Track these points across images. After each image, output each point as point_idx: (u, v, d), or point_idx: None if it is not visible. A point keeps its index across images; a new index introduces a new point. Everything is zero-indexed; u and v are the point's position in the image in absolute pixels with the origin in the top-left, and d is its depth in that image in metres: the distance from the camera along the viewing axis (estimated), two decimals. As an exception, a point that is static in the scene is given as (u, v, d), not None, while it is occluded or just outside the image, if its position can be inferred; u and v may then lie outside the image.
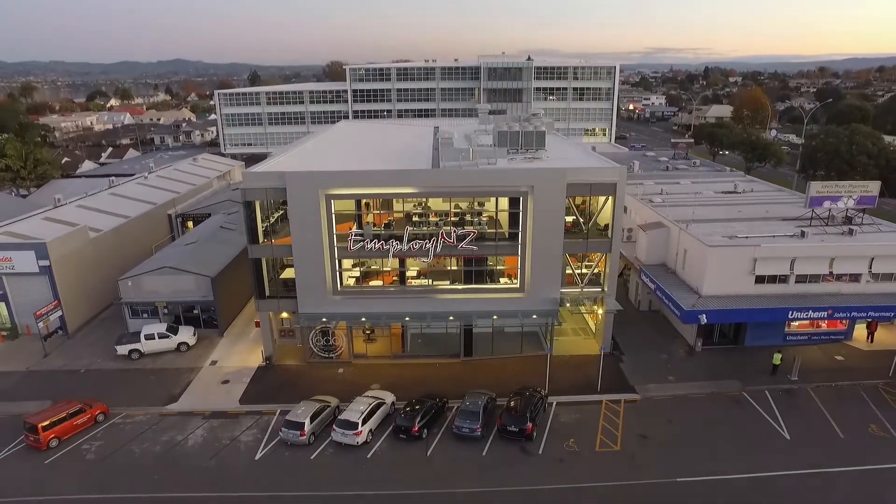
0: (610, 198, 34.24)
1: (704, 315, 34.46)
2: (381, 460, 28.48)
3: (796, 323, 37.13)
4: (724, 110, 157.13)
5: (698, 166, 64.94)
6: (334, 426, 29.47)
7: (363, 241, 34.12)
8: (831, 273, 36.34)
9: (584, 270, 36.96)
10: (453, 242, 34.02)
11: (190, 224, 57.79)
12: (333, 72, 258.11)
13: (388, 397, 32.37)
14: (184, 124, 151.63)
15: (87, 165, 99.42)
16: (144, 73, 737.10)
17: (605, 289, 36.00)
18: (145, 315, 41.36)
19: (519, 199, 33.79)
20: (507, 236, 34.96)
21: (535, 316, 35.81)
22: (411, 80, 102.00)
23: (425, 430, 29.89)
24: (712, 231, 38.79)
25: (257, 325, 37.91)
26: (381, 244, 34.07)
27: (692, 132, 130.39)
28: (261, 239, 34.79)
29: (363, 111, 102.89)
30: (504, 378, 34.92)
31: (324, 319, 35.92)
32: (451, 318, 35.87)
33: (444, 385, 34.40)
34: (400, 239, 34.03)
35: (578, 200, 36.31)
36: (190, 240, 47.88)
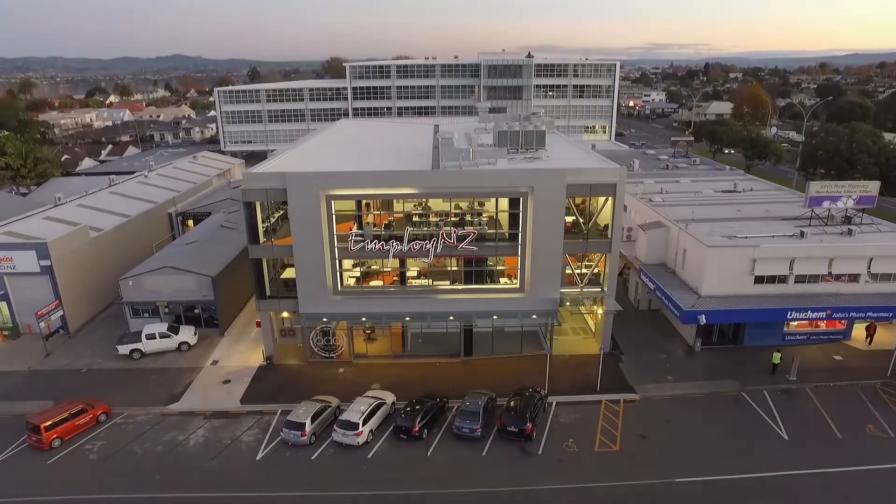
0: (610, 198, 34.30)
1: (703, 315, 34.60)
2: (381, 460, 28.65)
3: (795, 323, 37.25)
4: (724, 107, 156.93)
5: (698, 165, 64.99)
6: (335, 426, 29.63)
7: (363, 241, 34.21)
8: (830, 273, 36.45)
9: (584, 270, 37.06)
10: (453, 243, 34.12)
11: (190, 223, 57.87)
12: (333, 68, 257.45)
13: (389, 397, 32.53)
14: (183, 121, 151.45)
15: (87, 163, 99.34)
16: (143, 69, 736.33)
17: (605, 289, 36.11)
18: (146, 314, 41.48)
19: (519, 199, 33.86)
20: (507, 237, 35.05)
21: (534, 316, 35.94)
22: (411, 77, 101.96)
23: (425, 431, 30.05)
24: (712, 231, 38.89)
25: (258, 324, 38.04)
26: (382, 245, 34.17)
27: (692, 129, 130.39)
28: (261, 239, 34.87)
29: (363, 108, 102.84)
30: (504, 378, 35.08)
31: (324, 319, 36.05)
32: (451, 318, 35.98)
33: (444, 385, 34.56)
34: (400, 239, 34.13)
35: (578, 200, 36.38)
36: (190, 239, 47.97)
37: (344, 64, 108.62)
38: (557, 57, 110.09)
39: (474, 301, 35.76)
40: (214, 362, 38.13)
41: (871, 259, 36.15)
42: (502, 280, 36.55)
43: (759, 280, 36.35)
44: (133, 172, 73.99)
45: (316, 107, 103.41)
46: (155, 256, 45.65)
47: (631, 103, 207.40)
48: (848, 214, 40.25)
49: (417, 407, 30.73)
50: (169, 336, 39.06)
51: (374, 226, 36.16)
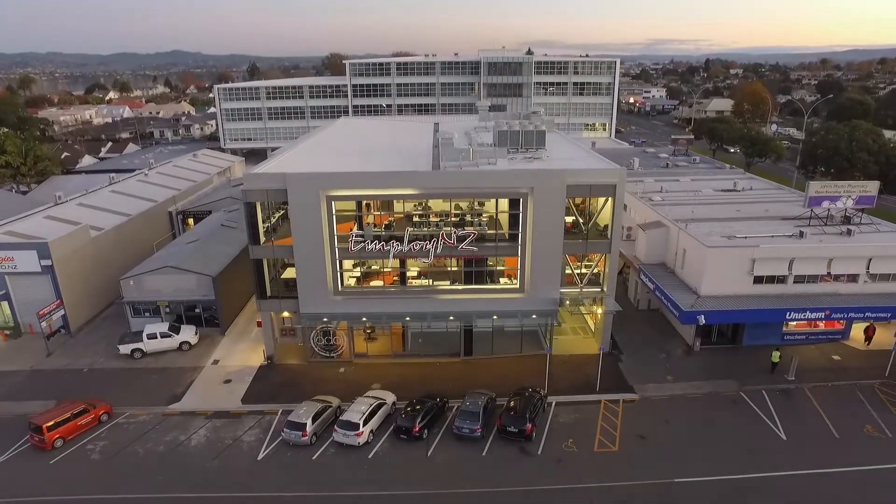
0: (609, 199, 34.37)
1: (703, 316, 34.72)
2: (382, 460, 28.83)
3: (794, 322, 37.36)
4: (724, 104, 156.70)
5: (698, 163, 64.98)
6: (336, 427, 29.80)
7: (364, 242, 34.31)
8: (829, 273, 36.55)
9: (584, 270, 37.16)
10: (453, 243, 34.22)
11: (190, 221, 57.93)
12: (333, 64, 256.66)
13: (389, 397, 32.69)
14: (183, 118, 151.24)
15: (87, 160, 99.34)
16: (143, 65, 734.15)
17: (605, 289, 36.22)
18: (147, 314, 41.62)
19: (519, 200, 33.94)
20: (507, 237, 35.14)
21: (534, 316, 36.05)
22: (411, 74, 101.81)
23: (426, 431, 30.22)
24: (711, 231, 38.97)
25: (259, 324, 38.16)
26: (382, 245, 34.28)
27: (692, 126, 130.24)
28: (262, 240, 34.95)
29: (363, 106, 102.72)
30: (504, 377, 35.24)
31: (325, 319, 36.17)
32: (451, 318, 36.10)
33: (444, 384, 34.73)
34: (400, 240, 34.23)
35: (578, 200, 36.46)
36: (191, 238, 48.04)
37: (344, 61, 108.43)
38: (558, 53, 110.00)
39: (474, 301, 35.88)
40: (215, 362, 38.28)
41: (870, 259, 36.26)
42: (502, 280, 36.66)
43: (758, 280, 36.46)
44: (133, 170, 73.99)
45: (316, 104, 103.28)
46: (155, 256, 45.74)
47: (631, 100, 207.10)
48: (847, 214, 40.32)
49: (418, 407, 30.89)
50: (170, 336, 39.20)
51: (375, 226, 36.25)
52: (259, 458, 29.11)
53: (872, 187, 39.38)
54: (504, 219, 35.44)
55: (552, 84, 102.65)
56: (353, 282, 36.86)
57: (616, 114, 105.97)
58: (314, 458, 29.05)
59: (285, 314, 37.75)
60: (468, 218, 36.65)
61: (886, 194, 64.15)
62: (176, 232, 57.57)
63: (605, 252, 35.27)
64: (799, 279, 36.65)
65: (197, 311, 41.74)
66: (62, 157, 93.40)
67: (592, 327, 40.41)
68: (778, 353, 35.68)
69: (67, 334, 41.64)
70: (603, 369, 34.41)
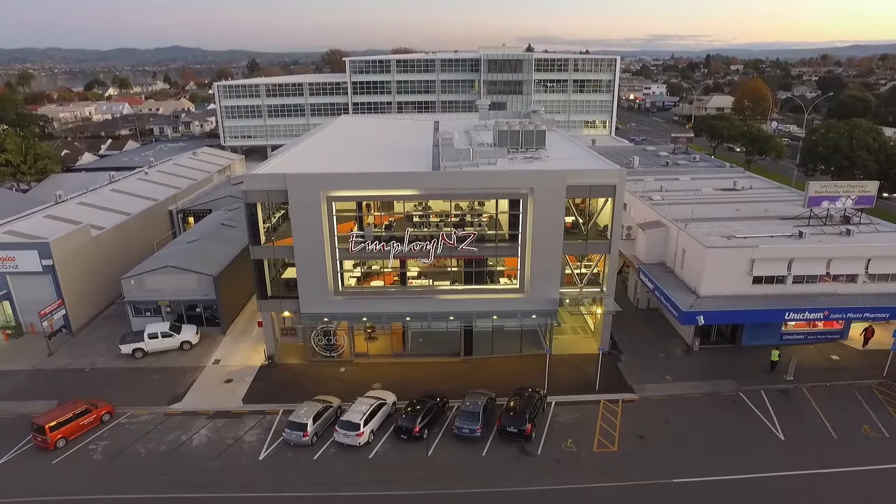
0: (609, 199, 34.44)
1: (702, 316, 34.85)
2: (382, 461, 29.01)
3: (793, 322, 37.47)
4: (725, 101, 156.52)
5: (698, 161, 64.98)
6: (336, 427, 29.96)
7: (364, 242, 34.40)
8: (828, 274, 36.65)
9: (584, 270, 37.26)
10: (454, 244, 34.32)
11: (191, 220, 57.99)
12: (332, 60, 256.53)
13: (390, 397, 32.85)
14: (183, 115, 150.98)
15: (87, 158, 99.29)
16: (142, 60, 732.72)
17: (604, 289, 36.33)
18: (148, 313, 41.74)
19: (519, 200, 34.01)
20: (507, 238, 35.23)
21: (534, 316, 36.17)
22: (411, 72, 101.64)
23: (426, 431, 30.38)
24: (711, 230, 39.06)
25: (259, 324, 38.28)
26: (382, 245, 34.37)
27: (692, 123, 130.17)
28: (263, 240, 35.04)
29: (363, 103, 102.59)
30: (504, 377, 35.40)
31: (325, 319, 36.30)
32: (451, 318, 36.22)
33: (444, 384, 34.89)
34: (401, 240, 34.32)
35: (578, 200, 36.54)
36: (191, 237, 48.10)
37: (344, 59, 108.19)
38: (558, 50, 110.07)
39: (474, 301, 36.00)
40: (216, 361, 38.43)
41: (869, 259, 36.35)
42: (502, 280, 36.77)
43: (757, 280, 36.57)
44: (133, 168, 73.97)
45: (316, 101, 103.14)
46: (156, 255, 45.84)
47: (631, 96, 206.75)
48: (847, 214, 40.39)
49: (418, 407, 31.03)
50: (171, 335, 39.34)
51: (375, 226, 36.35)
52: (260, 458, 29.29)
53: (872, 187, 39.44)
54: (504, 219, 35.53)
55: (552, 81, 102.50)
56: (353, 282, 36.98)
57: (616, 111, 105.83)
58: (315, 458, 29.23)
59: (286, 314, 37.88)
60: (468, 218, 36.74)
61: (887, 194, 64.23)
62: (176, 231, 57.64)
63: (605, 252, 35.36)
64: (798, 279, 36.76)
65: (198, 310, 41.87)
66: (62, 154, 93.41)
67: (592, 327, 40.54)
68: (777, 353, 35.84)
69: (69, 334, 41.77)
70: (602, 369, 34.57)
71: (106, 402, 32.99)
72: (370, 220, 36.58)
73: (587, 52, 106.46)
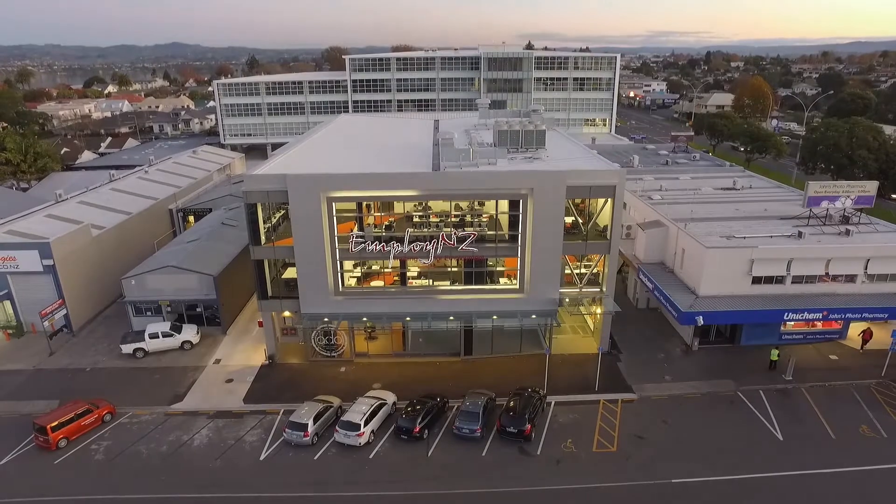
0: (609, 199, 34.49)
1: (701, 317, 34.95)
2: (382, 461, 29.14)
3: (792, 322, 37.57)
4: (725, 98, 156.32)
5: (697, 160, 64.96)
6: (337, 427, 30.09)
7: (364, 242, 34.48)
8: (827, 274, 36.74)
9: (583, 270, 37.35)
10: (454, 244, 34.40)
11: (191, 219, 58.07)
12: (332, 57, 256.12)
13: (390, 397, 32.97)
14: (182, 112, 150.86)
15: (87, 156, 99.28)
16: (141, 57, 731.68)
17: (604, 289, 36.42)
18: (149, 313, 41.84)
19: (519, 201, 34.08)
20: (506, 238, 35.31)
21: (534, 316, 36.27)
22: (411, 69, 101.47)
23: (426, 431, 30.51)
24: (710, 230, 39.12)
25: (260, 324, 38.38)
26: (383, 246, 34.45)
27: (692, 121, 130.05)
28: (263, 240, 35.11)
29: (363, 101, 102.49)
30: (504, 377, 35.53)
31: (326, 319, 36.40)
32: (451, 318, 36.31)
33: (444, 383, 35.02)
34: (401, 241, 34.40)
35: (578, 200, 36.59)
36: (191, 237, 48.16)
37: (344, 56, 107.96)
38: (558, 46, 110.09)
39: (474, 301, 36.09)
40: (217, 361, 38.54)
41: (868, 260, 36.43)
42: (502, 280, 36.85)
43: (756, 280, 36.66)
44: (133, 166, 74.02)
45: (316, 99, 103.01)
46: (157, 255, 45.92)
47: (631, 94, 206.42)
48: (846, 214, 40.45)
49: (418, 407, 31.15)
50: (172, 335, 39.44)
51: (375, 227, 36.42)
52: (261, 458, 29.43)
53: (871, 187, 39.49)
54: (504, 220, 35.60)
55: (552, 79, 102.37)
56: (353, 282, 37.06)
57: (616, 109, 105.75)
58: (316, 458, 29.36)
59: (286, 314, 37.99)
60: (468, 218, 36.80)
61: (886, 191, 64.20)
62: (177, 230, 57.72)
63: (605, 253, 35.44)
64: (797, 279, 36.85)
65: (198, 310, 41.98)
66: (62, 152, 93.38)
67: (592, 326, 40.64)
68: (777, 352, 35.96)
69: (70, 333, 41.88)
70: (602, 369, 34.71)
71: (107, 402, 33.12)
72: (370, 220, 36.64)
73: (587, 49, 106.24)
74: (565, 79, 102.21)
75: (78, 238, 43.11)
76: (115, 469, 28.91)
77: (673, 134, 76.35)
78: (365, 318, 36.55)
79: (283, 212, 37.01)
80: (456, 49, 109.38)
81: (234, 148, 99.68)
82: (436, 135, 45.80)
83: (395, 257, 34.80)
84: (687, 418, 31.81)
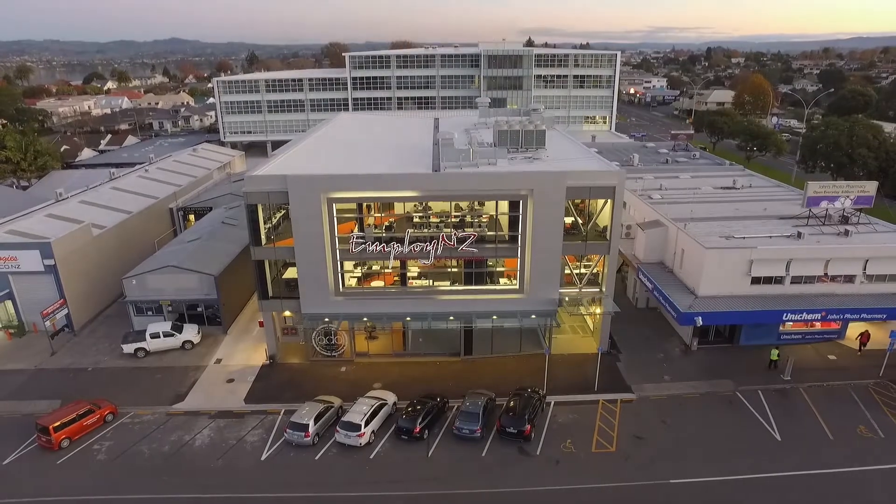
0: (609, 200, 34.57)
1: (700, 318, 35.09)
2: (383, 461, 29.32)
3: (791, 322, 37.71)
4: (725, 95, 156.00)
5: (698, 159, 64.99)
6: (338, 427, 30.25)
7: (365, 243, 34.59)
8: (826, 274, 36.86)
9: (583, 270, 37.46)
10: (454, 245, 34.50)
11: (192, 218, 58.15)
12: (332, 53, 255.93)
13: (390, 397, 33.13)
14: (182, 109, 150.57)
15: (87, 153, 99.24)
16: (141, 53, 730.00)
17: (603, 289, 36.54)
18: (150, 313, 41.98)
19: (519, 202, 34.17)
20: (506, 238, 35.41)
21: (533, 316, 36.41)
22: (411, 67, 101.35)
23: (426, 431, 30.68)
24: (710, 230, 39.22)
25: (261, 324, 38.52)
26: (383, 247, 34.55)
27: (693, 118, 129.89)
28: (263, 241, 35.20)
29: (363, 99, 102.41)
30: (504, 376, 35.71)
31: (326, 320, 36.53)
32: (451, 318, 36.45)
33: (444, 383, 35.20)
34: (401, 241, 34.51)
35: (577, 200, 36.67)
36: (192, 236, 48.23)
37: (344, 54, 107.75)
38: (558, 42, 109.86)
39: (474, 301, 36.23)
40: (218, 361, 38.70)
41: (867, 260, 36.54)
42: (502, 281, 36.97)
43: (755, 281, 36.78)
44: (133, 164, 74.11)
45: (315, 97, 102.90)
46: (157, 254, 46.03)
47: (632, 90, 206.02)
48: (845, 214, 40.53)
49: (418, 408, 31.31)
50: (173, 335, 39.57)
51: (375, 227, 36.52)
52: (263, 458, 29.60)
53: (871, 188, 39.56)
54: (504, 220, 35.69)
55: (552, 77, 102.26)
56: (353, 282, 37.18)
57: (616, 106, 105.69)
58: (317, 458, 29.54)
59: (287, 313, 38.12)
60: (468, 219, 36.89)
61: (886, 190, 64.21)
62: (177, 229, 57.80)
63: (605, 253, 35.55)
64: (796, 280, 36.97)
65: (199, 309, 42.11)
66: (61, 150, 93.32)
67: (591, 326, 40.79)
68: (777, 352, 36.10)
69: (71, 333, 42.03)
70: (601, 369, 34.87)
71: (109, 402, 33.27)
72: (370, 220, 36.74)
73: (587, 45, 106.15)
74: (565, 76, 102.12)
75: (79, 238, 43.21)
76: (118, 469, 29.08)
77: (673, 132, 76.32)
78: (365, 318, 36.70)
79: (283, 211, 37.10)
80: (456, 46, 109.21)
81: (234, 145, 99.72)
82: (436, 134, 45.81)
83: (395, 258, 34.92)
84: (686, 418, 31.98)
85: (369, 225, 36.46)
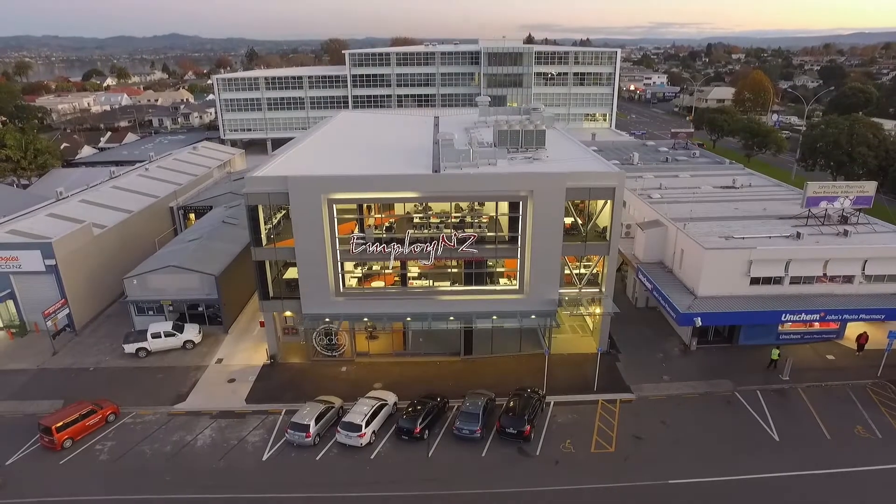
0: (609, 201, 34.66)
1: (699, 318, 35.23)
2: (383, 461, 29.51)
3: (789, 322, 37.85)
4: (726, 92, 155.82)
5: (698, 157, 65.01)
6: (339, 428, 30.42)
7: (365, 244, 34.69)
8: (825, 275, 36.98)
9: (583, 271, 37.57)
10: (454, 246, 34.61)
11: (192, 217, 58.20)
12: (332, 49, 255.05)
13: (391, 398, 33.30)
14: (182, 106, 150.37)
15: (87, 151, 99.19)
16: (140, 48, 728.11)
17: (603, 289, 36.66)
18: (150, 313, 42.12)
19: (519, 203, 34.26)
20: (506, 239, 35.51)
21: (533, 317, 36.55)
22: (411, 65, 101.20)
23: (426, 432, 30.85)
24: (709, 230, 39.32)
25: (262, 324, 38.66)
26: (383, 247, 34.66)
27: (693, 116, 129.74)
28: (264, 242, 35.30)
29: (363, 96, 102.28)
30: (504, 376, 35.88)
31: (327, 320, 36.67)
32: (451, 318, 36.59)
33: (444, 383, 35.37)
34: (401, 242, 34.62)
35: (577, 200, 36.74)
36: (192, 235, 48.30)
37: (343, 51, 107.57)
38: (559, 37, 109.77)
39: (474, 302, 36.36)
40: (219, 360, 38.86)
41: (866, 261, 36.65)
42: (502, 281, 37.09)
43: (754, 281, 36.91)
44: (133, 162, 74.19)
45: (315, 94, 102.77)
46: (158, 254, 46.12)
47: (632, 87, 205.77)
48: (844, 214, 40.62)
49: (419, 408, 31.48)
50: (174, 335, 39.71)
51: (376, 228, 36.62)
52: (264, 458, 29.79)
53: (870, 188, 39.63)
54: (504, 221, 35.79)
55: (553, 74, 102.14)
56: (354, 283, 37.30)
57: (616, 104, 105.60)
58: (318, 458, 29.73)
59: (288, 314, 38.26)
60: (468, 219, 36.98)
61: (886, 189, 64.29)
62: (178, 228, 57.86)
63: (604, 254, 35.67)
64: (795, 280, 37.09)
65: (200, 309, 42.25)
66: (61, 147, 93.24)
67: (591, 326, 40.93)
68: (778, 351, 36.25)
69: (73, 332, 42.18)
70: (601, 369, 35.03)
71: (111, 403, 33.43)
72: (371, 221, 36.83)
73: (588, 41, 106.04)
74: (566, 74, 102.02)
75: (79, 237, 43.30)
76: (120, 469, 29.27)
77: (673, 130, 76.21)
78: (366, 319, 36.84)
79: (283, 211, 37.19)
80: (456, 43, 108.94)
81: (233, 143, 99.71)
82: (436, 134, 45.86)
83: (395, 258, 35.04)
84: (684, 419, 32.15)
85: (370, 226, 36.57)
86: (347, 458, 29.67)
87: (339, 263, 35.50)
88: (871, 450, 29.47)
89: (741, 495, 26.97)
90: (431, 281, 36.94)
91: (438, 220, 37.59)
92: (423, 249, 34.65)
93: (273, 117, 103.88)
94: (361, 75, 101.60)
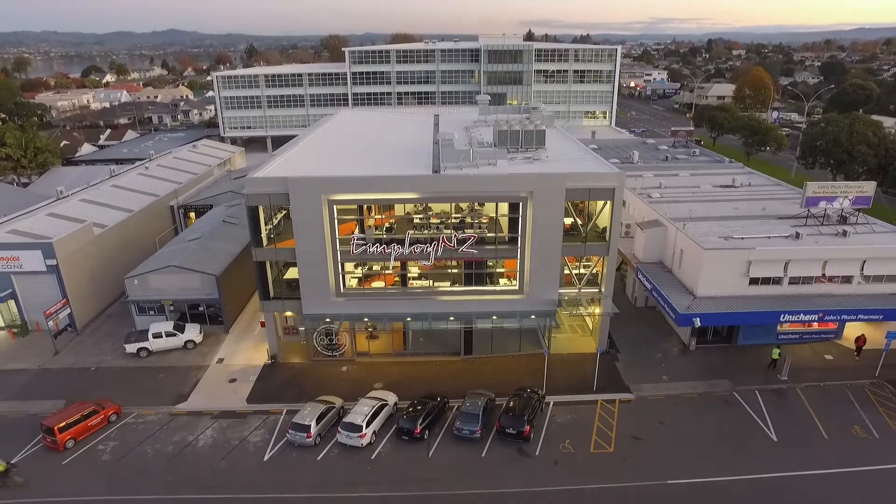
0: (608, 202, 34.73)
1: (699, 319, 35.36)
2: (384, 461, 29.69)
3: (788, 322, 37.97)
4: (726, 89, 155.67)
5: (697, 156, 65.04)
6: (339, 428, 30.59)
7: (365, 244, 34.79)
8: (824, 275, 37.09)
9: (583, 271, 37.68)
10: (454, 246, 34.71)
11: (192, 216, 58.27)
12: (331, 45, 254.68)
13: (391, 398, 33.47)
14: (181, 103, 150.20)
15: (86, 148, 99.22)
16: (139, 44, 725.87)
17: (602, 290, 36.78)
18: (151, 312, 42.23)
19: (519, 203, 34.33)
20: (506, 240, 35.60)
21: (533, 317, 36.68)
22: (411, 62, 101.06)
23: (426, 432, 31.02)
24: (709, 230, 39.41)
25: (262, 324, 38.80)
26: (383, 248, 34.76)
27: (693, 113, 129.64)
28: (265, 242, 35.40)
29: (363, 94, 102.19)
30: (503, 376, 36.04)
31: (327, 320, 36.80)
32: (451, 318, 36.72)
33: (444, 382, 35.54)
34: (401, 243, 34.72)
35: (577, 201, 36.81)
36: (193, 235, 48.36)
37: (344, 49, 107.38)
38: (559, 33, 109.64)
39: (474, 302, 36.48)
40: (220, 360, 39.01)
41: (865, 261, 36.75)
42: (502, 281, 37.20)
43: (753, 281, 37.03)
44: (133, 159, 74.20)
45: (315, 92, 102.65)
46: (159, 254, 46.20)
47: (632, 84, 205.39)
48: (844, 214, 40.70)
49: (419, 408, 31.64)
50: (175, 334, 39.85)
51: (376, 228, 36.71)
52: (265, 458, 29.97)
53: (869, 188, 39.70)
54: (504, 222, 35.87)
55: (553, 72, 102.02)
56: (354, 283, 37.41)
57: (616, 101, 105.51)
58: (318, 458, 29.91)
59: (288, 314, 38.39)
60: (468, 220, 37.07)
61: (886, 187, 64.34)
62: (178, 227, 57.93)
63: (604, 254, 35.77)
64: (794, 280, 37.21)
65: (201, 309, 42.37)
66: (61, 144, 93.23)
67: (590, 326, 41.07)
68: (778, 351, 36.40)
69: (74, 332, 42.33)
70: (600, 369, 35.20)
71: (113, 403, 33.60)
72: (371, 222, 36.91)
73: (588, 37, 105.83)
74: (566, 71, 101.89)
75: (80, 237, 43.39)
76: (122, 469, 29.45)
77: (673, 129, 76.23)
78: (366, 319, 36.98)
79: (284, 212, 37.26)
80: (456, 40, 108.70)
81: (233, 141, 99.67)
82: (436, 133, 45.87)
83: (395, 259, 35.14)
84: (683, 419, 32.33)
85: (370, 226, 36.65)
86: (348, 459, 29.85)
87: (340, 264, 35.60)
88: (869, 450, 29.65)
89: (740, 495, 27.16)
90: (431, 281, 37.05)
91: (438, 221, 37.68)
92: (423, 250, 34.75)
93: (273, 115, 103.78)
94: (361, 73, 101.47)
